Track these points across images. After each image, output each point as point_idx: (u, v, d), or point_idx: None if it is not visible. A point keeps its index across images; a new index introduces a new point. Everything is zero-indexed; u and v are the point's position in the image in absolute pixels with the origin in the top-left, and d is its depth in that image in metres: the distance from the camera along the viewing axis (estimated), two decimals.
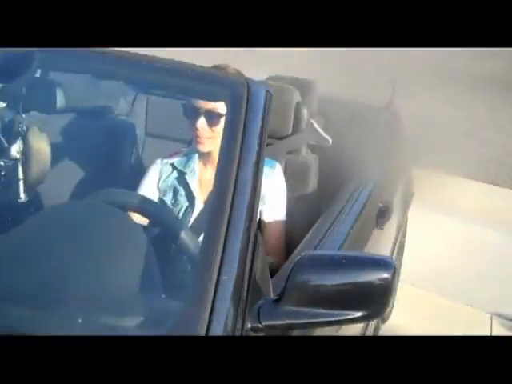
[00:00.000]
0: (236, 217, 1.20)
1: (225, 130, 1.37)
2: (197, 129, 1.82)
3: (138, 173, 2.04)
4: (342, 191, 2.05)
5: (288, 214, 1.99)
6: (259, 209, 1.91)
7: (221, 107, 1.76)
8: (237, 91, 1.42)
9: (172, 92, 1.91)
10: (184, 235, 1.37)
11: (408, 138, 2.78)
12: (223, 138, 1.34)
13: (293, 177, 2.10)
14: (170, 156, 2.01)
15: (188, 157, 1.99)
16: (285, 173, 2.09)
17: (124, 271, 1.19)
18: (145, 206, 1.35)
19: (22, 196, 1.45)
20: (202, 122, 1.80)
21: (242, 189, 1.25)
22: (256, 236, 1.21)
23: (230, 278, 1.12)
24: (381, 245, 2.19)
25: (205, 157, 1.94)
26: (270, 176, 1.95)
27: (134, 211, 1.33)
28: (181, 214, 1.93)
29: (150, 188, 1.95)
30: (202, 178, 1.95)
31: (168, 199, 1.95)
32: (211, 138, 1.83)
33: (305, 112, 2.14)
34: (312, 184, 2.13)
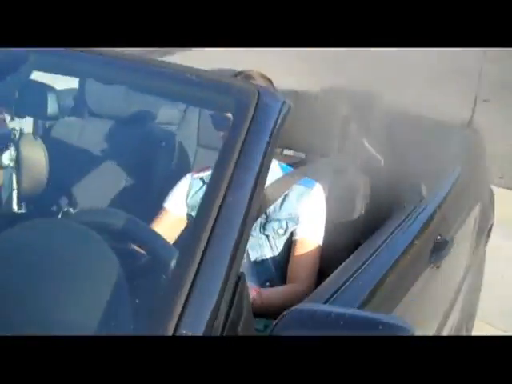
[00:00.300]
0: (216, 247, 1.05)
1: (223, 144, 1.23)
2: None
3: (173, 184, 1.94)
4: (391, 219, 1.83)
5: (327, 241, 1.82)
6: (293, 228, 1.76)
7: None
8: (242, 101, 1.28)
9: (177, 100, 1.78)
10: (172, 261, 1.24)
11: (488, 159, 2.49)
12: (219, 153, 1.20)
13: (337, 200, 1.91)
14: (202, 170, 1.90)
15: None
16: (328, 195, 1.91)
17: (88, 294, 1.09)
18: (127, 227, 1.23)
19: (16, 207, 1.39)
20: None
21: (230, 214, 1.10)
22: (239, 281, 1.05)
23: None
24: (436, 287, 1.94)
25: None
26: (306, 196, 1.80)
27: (116, 232, 1.23)
28: None
29: (177, 203, 1.85)
30: None
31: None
32: None
33: (353, 128, 1.95)
34: (358, 209, 1.92)
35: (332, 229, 1.84)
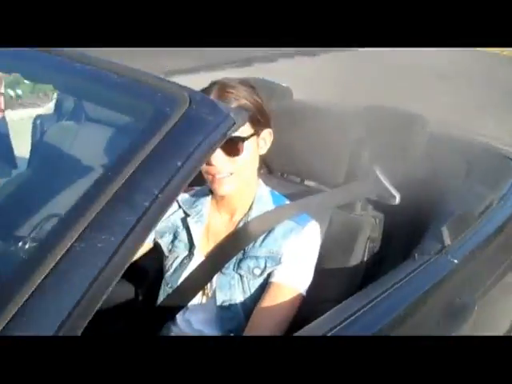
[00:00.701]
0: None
1: (107, 163, 0.98)
2: (209, 163, 1.39)
3: None
4: (395, 272, 1.49)
5: (314, 289, 1.49)
6: (272, 269, 1.45)
7: (242, 128, 1.36)
8: (161, 110, 1.03)
9: (90, 101, 1.54)
10: None
11: None
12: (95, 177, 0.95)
13: (336, 240, 1.60)
14: (185, 191, 1.64)
15: (197, 195, 1.61)
16: (326, 234, 1.60)
17: None
18: None
19: None
20: (217, 153, 1.38)
21: (84, 258, 0.85)
22: None
23: None
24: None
25: (221, 199, 1.54)
26: (295, 234, 1.48)
27: None
28: (174, 265, 1.56)
29: None
30: (211, 226, 1.56)
31: (165, 243, 1.59)
32: (233, 173, 1.43)
33: (365, 154, 1.62)
34: (359, 254, 1.59)
35: (323, 275, 1.52)
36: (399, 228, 1.67)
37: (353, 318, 1.28)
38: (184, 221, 1.58)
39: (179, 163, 0.96)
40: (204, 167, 1.41)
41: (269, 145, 1.51)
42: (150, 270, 1.78)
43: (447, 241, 1.58)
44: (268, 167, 1.79)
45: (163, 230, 1.59)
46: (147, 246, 1.60)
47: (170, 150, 0.98)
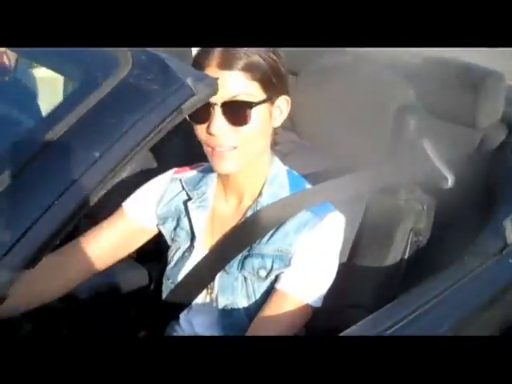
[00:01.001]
0: None
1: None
2: (209, 133, 1.13)
3: None
4: (441, 275, 1.18)
5: (337, 293, 1.19)
6: (279, 272, 1.19)
7: (251, 91, 1.11)
8: (86, 76, 0.76)
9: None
10: None
11: None
12: None
13: (370, 233, 1.29)
14: (185, 168, 1.38)
15: (203, 174, 1.34)
16: (361, 224, 1.30)
17: None
18: None
19: None
20: (218, 121, 1.12)
21: None
22: None
23: None
24: None
25: (226, 178, 1.27)
26: (309, 229, 1.18)
27: None
28: (176, 258, 1.32)
29: (142, 208, 1.34)
30: (217, 213, 1.28)
31: (167, 230, 1.34)
32: (237, 147, 1.15)
33: (412, 123, 1.27)
34: (399, 249, 1.27)
35: (352, 274, 1.23)
36: (454, 218, 1.34)
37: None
38: (186, 205, 1.32)
39: (97, 154, 0.69)
40: (203, 137, 1.14)
41: (285, 115, 1.21)
42: (164, 252, 1.54)
43: (511, 238, 1.23)
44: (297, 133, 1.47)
45: (165, 215, 1.33)
46: (151, 232, 1.36)
47: (89, 133, 0.71)
